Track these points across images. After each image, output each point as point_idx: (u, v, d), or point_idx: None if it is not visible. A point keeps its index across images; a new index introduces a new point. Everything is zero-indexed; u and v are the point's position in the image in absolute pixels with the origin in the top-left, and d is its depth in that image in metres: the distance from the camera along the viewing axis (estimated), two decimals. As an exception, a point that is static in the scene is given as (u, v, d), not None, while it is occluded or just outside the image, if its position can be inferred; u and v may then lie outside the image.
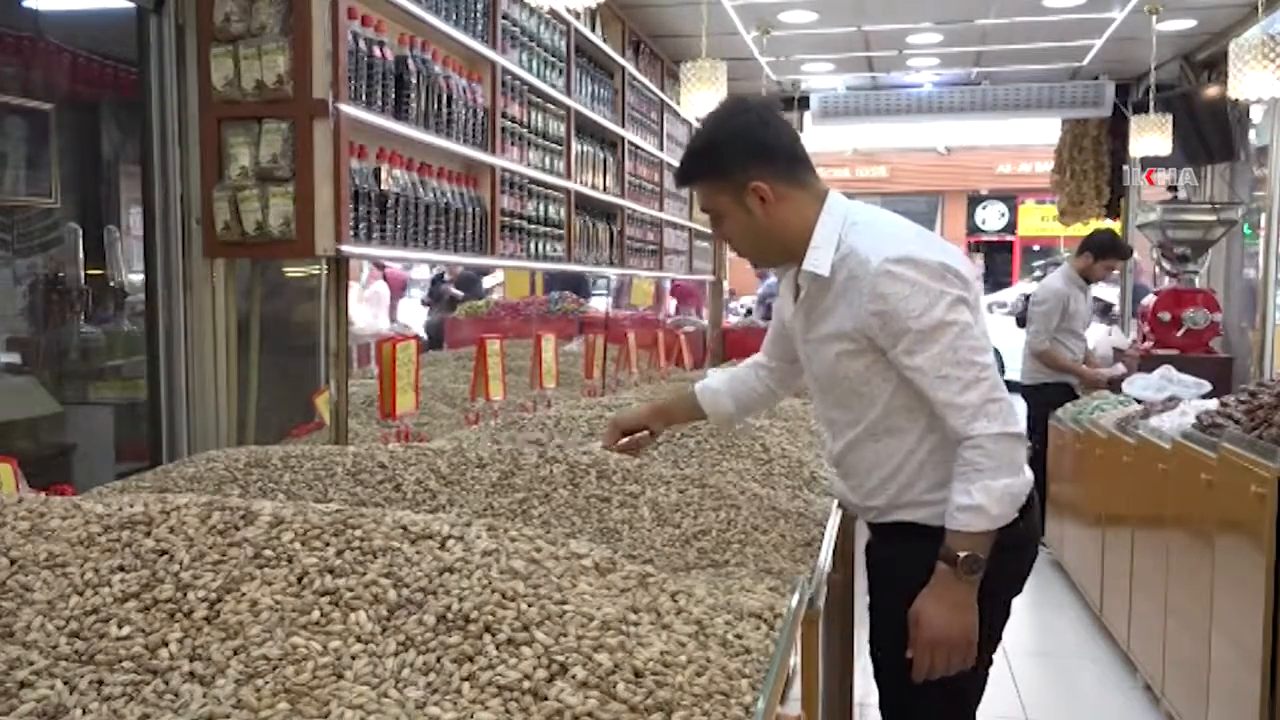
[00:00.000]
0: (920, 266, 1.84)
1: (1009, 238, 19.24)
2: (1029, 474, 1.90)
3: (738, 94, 2.09)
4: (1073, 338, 5.79)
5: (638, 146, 5.60)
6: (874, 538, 2.13)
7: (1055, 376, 5.83)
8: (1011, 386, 2.37)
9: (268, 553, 1.29)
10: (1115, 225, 8.09)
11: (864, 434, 1.99)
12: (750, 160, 1.92)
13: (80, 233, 3.62)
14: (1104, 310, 8.76)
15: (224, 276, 2.84)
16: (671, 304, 9.20)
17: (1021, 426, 1.89)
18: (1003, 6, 5.72)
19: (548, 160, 4.29)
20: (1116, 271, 6.43)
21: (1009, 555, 1.97)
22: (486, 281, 9.45)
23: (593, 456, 2.13)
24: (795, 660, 1.55)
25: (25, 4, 3.67)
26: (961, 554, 1.85)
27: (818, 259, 1.92)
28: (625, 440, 2.30)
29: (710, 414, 2.32)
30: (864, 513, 2.10)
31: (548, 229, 4.29)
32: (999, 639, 2.08)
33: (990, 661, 2.08)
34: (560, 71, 4.43)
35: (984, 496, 1.82)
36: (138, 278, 3.30)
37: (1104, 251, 5.67)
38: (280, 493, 1.96)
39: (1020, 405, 5.89)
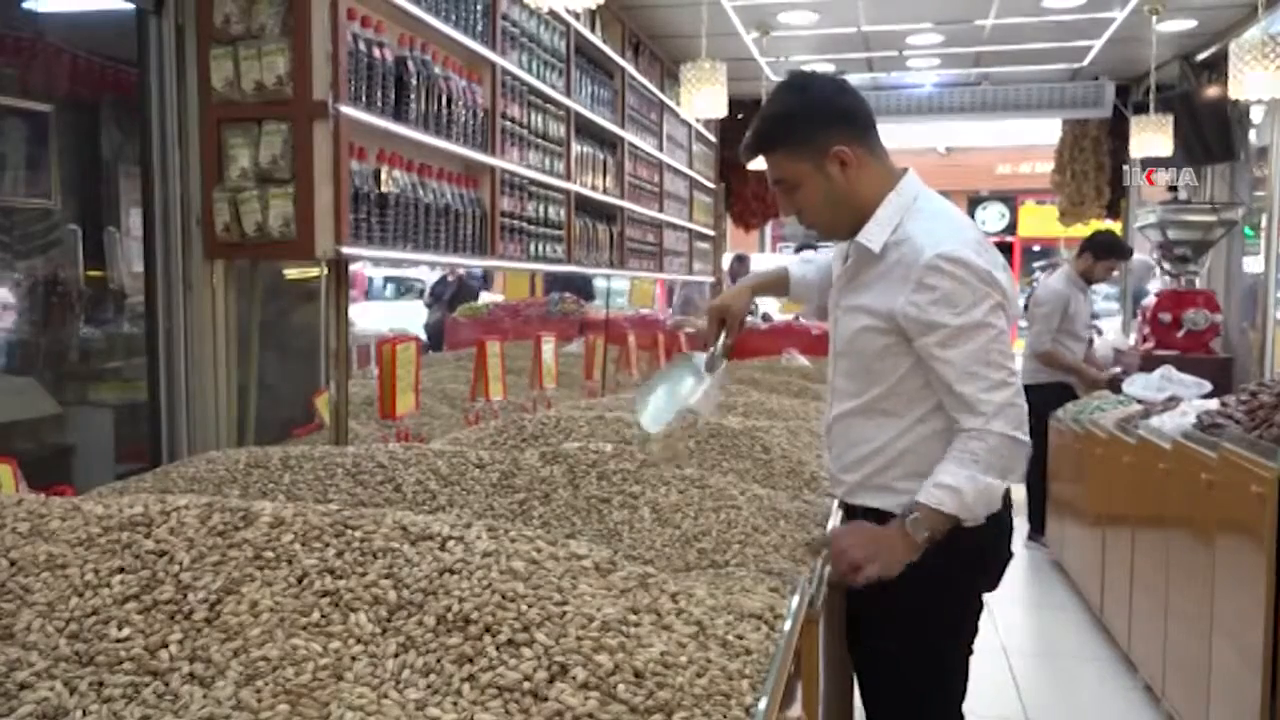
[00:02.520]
0: (970, 268, 1.85)
1: (1009, 238, 19.22)
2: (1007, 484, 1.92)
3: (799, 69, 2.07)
4: (1072, 339, 5.79)
5: (637, 147, 5.60)
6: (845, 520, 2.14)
7: (1054, 376, 5.82)
8: None
9: (268, 554, 1.29)
10: (1115, 225, 8.11)
11: (860, 409, 2.01)
12: (832, 126, 1.92)
13: (80, 234, 3.62)
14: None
15: (224, 277, 2.84)
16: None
17: (1027, 437, 1.90)
18: (1003, 6, 5.72)
19: (548, 161, 4.29)
20: (1117, 272, 6.44)
21: (989, 547, 2.01)
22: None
23: (593, 457, 2.12)
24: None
25: (25, 4, 3.67)
26: (923, 533, 1.86)
27: (872, 234, 1.93)
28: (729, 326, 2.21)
29: (794, 290, 2.37)
30: (835, 485, 2.12)
31: (548, 230, 4.29)
32: (975, 631, 2.10)
33: (971, 651, 2.10)
34: (560, 72, 4.43)
35: (969, 485, 1.84)
36: (137, 279, 3.30)
37: (1105, 252, 5.72)
38: (280, 493, 1.96)
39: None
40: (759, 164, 2.05)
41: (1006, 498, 2.01)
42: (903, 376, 1.94)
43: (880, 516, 2.00)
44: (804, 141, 1.92)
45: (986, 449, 1.84)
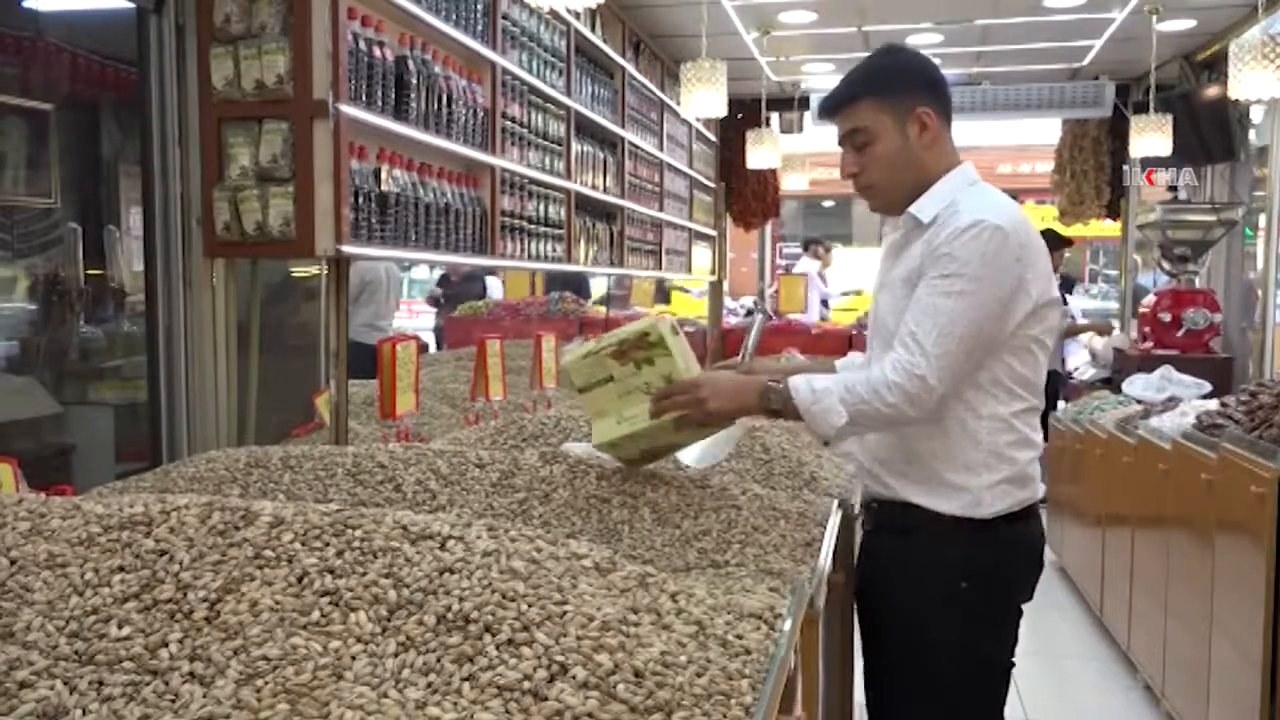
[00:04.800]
0: (1006, 241, 1.85)
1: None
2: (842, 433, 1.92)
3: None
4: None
5: (638, 147, 5.60)
6: (870, 527, 2.13)
7: None
8: None
9: (268, 553, 1.29)
10: (1115, 225, 8.12)
11: None
12: (922, 88, 1.99)
13: (80, 233, 3.62)
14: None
15: (224, 277, 2.84)
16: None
17: (915, 413, 1.88)
18: (1003, 6, 5.71)
19: (548, 160, 4.29)
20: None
21: (1010, 557, 2.01)
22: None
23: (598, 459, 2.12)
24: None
25: (25, 4, 3.67)
26: (770, 406, 1.94)
27: (924, 206, 1.96)
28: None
29: None
30: (869, 478, 2.09)
31: (548, 229, 4.29)
32: (1016, 640, 2.08)
33: (1013, 663, 2.08)
34: (560, 72, 4.43)
35: (825, 401, 1.87)
36: (137, 278, 3.30)
37: (1055, 243, 6.75)
38: (280, 493, 1.96)
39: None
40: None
41: (1037, 516, 2.04)
42: None
43: (912, 518, 1.99)
44: (894, 94, 1.98)
45: (873, 407, 1.85)
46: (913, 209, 1.97)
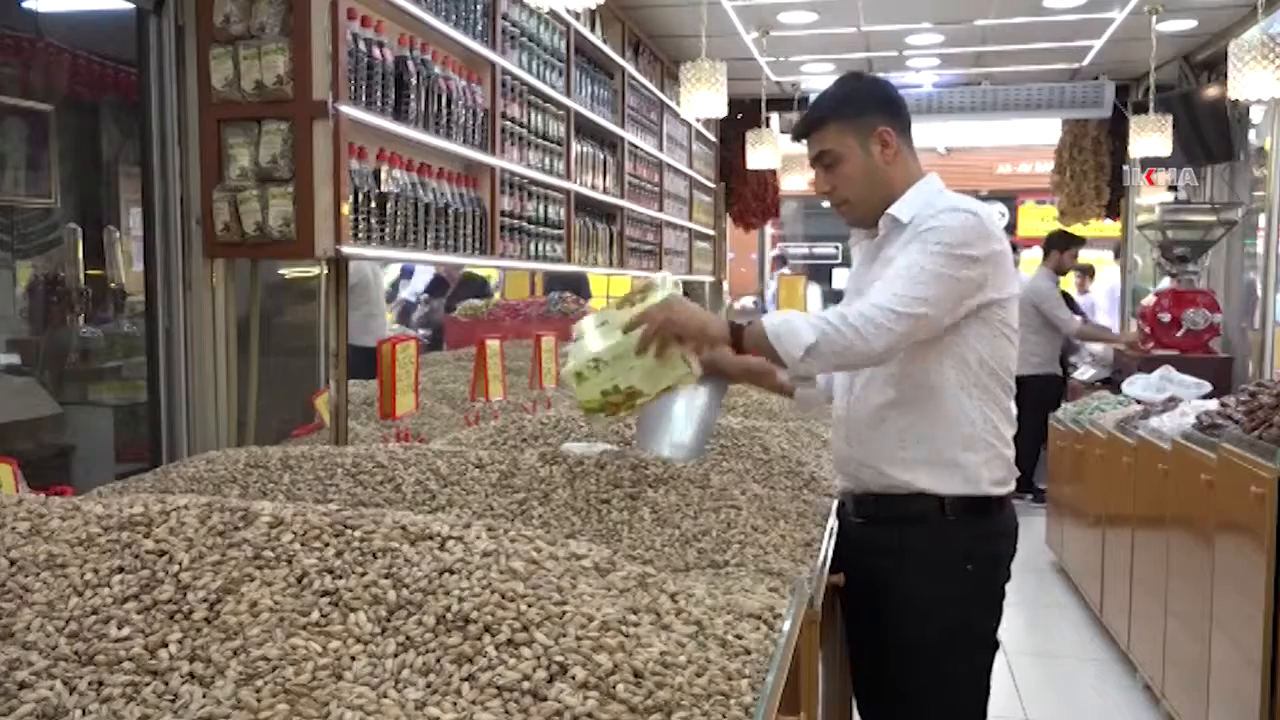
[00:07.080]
0: (984, 227, 1.99)
1: (1009, 238, 19.22)
2: (809, 361, 1.95)
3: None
4: (1050, 329, 6.73)
5: (637, 147, 5.60)
6: (864, 520, 2.16)
7: (1039, 369, 6.51)
8: None
9: (267, 553, 1.29)
10: (1115, 225, 8.12)
11: (882, 373, 2.07)
12: (881, 110, 2.14)
13: (80, 233, 3.62)
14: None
15: (224, 277, 2.84)
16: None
17: (875, 348, 1.93)
18: (1003, 6, 5.71)
19: (548, 161, 4.29)
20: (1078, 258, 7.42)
21: (1002, 539, 2.13)
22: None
23: (593, 459, 2.12)
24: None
25: (25, 4, 3.67)
26: (745, 336, 1.99)
27: (902, 208, 2.08)
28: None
29: (798, 389, 2.37)
30: (867, 471, 2.12)
31: (547, 229, 4.29)
32: (999, 617, 2.16)
33: (998, 643, 2.17)
34: (560, 72, 4.43)
35: (813, 331, 1.91)
36: (137, 278, 3.30)
37: (1065, 243, 6.92)
38: (280, 493, 1.96)
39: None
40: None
41: (1010, 506, 2.13)
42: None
43: (925, 503, 2.06)
44: (854, 117, 2.12)
45: (836, 329, 1.91)
46: (892, 210, 2.09)
